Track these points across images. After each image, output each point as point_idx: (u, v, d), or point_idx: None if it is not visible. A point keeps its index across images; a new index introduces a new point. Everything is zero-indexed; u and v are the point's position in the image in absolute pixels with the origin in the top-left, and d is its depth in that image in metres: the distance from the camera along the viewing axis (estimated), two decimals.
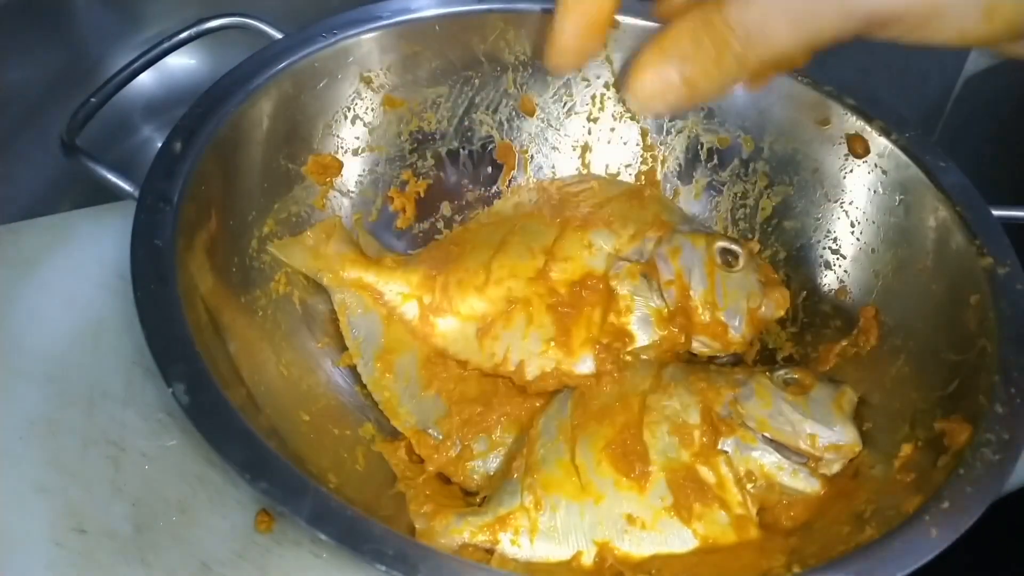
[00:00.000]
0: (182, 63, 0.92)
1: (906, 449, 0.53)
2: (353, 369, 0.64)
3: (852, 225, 0.66)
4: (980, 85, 0.95)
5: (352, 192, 0.69)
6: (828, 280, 0.67)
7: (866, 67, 0.94)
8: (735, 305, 0.63)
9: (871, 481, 0.54)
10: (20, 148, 0.79)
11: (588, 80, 0.73)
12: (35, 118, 0.71)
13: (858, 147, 0.65)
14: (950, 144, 0.94)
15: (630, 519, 0.53)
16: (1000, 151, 0.97)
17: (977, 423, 0.48)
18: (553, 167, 0.76)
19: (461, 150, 0.74)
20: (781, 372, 0.60)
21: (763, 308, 0.64)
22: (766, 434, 0.57)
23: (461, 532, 0.54)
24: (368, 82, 0.68)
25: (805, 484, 0.56)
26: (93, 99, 0.58)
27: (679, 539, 0.53)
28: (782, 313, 0.65)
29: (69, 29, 0.82)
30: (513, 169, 0.75)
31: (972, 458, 0.46)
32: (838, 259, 0.67)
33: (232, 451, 0.44)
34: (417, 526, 0.54)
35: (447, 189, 0.74)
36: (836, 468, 0.56)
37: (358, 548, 0.42)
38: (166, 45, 0.62)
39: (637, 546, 0.53)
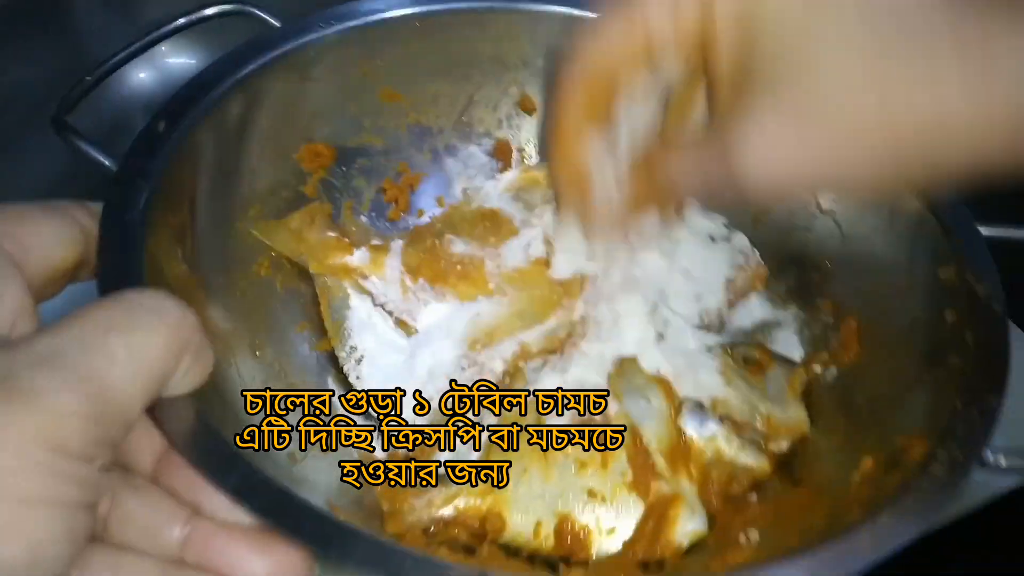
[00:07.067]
0: (182, 62, 0.92)
1: (867, 463, 0.52)
2: (331, 353, 0.64)
3: (836, 236, 0.65)
4: None
5: (343, 181, 0.70)
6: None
7: None
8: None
9: (830, 493, 0.53)
10: (21, 147, 0.80)
11: None
12: (35, 118, 0.71)
13: None
14: None
15: (591, 493, 0.54)
16: None
17: (933, 439, 0.47)
18: None
19: (459, 146, 0.74)
20: (741, 349, 0.61)
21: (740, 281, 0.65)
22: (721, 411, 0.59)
23: (431, 508, 0.54)
24: (366, 74, 0.68)
25: (754, 460, 0.57)
26: (88, 77, 0.59)
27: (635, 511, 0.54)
28: (760, 287, 0.66)
29: (70, 29, 0.83)
30: (509, 167, 0.75)
31: (920, 474, 0.45)
32: (820, 270, 0.66)
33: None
34: (383, 508, 0.54)
35: (442, 183, 0.75)
36: (784, 447, 0.58)
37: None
38: (164, 30, 0.63)
39: (596, 518, 0.54)
